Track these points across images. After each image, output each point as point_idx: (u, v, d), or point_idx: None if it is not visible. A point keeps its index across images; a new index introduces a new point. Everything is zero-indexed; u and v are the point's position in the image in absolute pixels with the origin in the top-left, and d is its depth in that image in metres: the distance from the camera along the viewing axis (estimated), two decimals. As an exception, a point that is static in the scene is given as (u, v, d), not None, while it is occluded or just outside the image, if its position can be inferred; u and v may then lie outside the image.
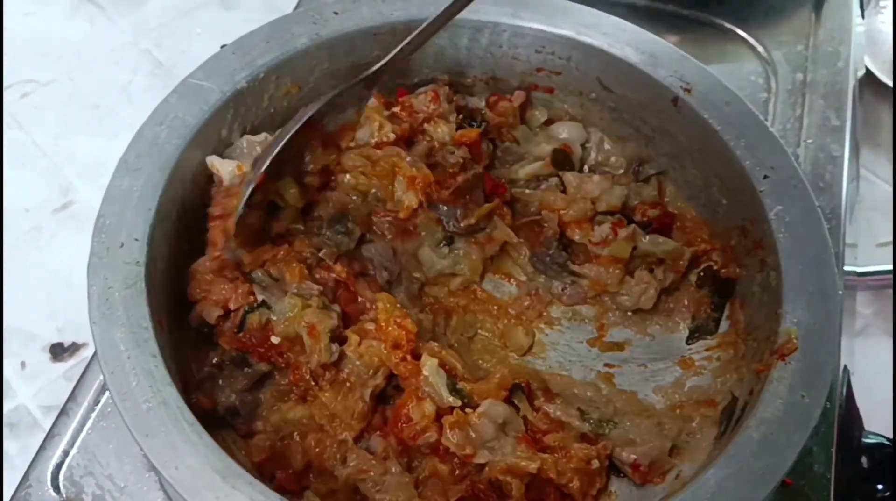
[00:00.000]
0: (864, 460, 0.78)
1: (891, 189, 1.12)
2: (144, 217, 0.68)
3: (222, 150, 0.79)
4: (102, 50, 1.23)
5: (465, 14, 0.84)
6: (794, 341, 0.65)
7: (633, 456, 0.70)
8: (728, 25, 1.06)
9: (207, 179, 0.77)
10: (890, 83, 1.15)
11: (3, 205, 1.07)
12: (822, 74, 1.00)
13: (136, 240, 0.67)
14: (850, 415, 0.79)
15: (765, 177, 0.74)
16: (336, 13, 0.83)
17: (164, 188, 0.71)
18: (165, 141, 0.73)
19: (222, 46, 1.20)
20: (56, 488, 0.72)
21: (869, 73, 1.13)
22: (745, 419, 0.63)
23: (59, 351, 0.97)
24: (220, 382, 0.71)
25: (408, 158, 0.79)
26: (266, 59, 0.80)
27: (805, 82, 0.99)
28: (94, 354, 0.79)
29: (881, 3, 1.26)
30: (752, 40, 1.04)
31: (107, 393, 0.76)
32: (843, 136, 0.94)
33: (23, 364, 0.96)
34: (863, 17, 1.10)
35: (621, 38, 0.83)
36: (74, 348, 0.97)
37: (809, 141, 0.93)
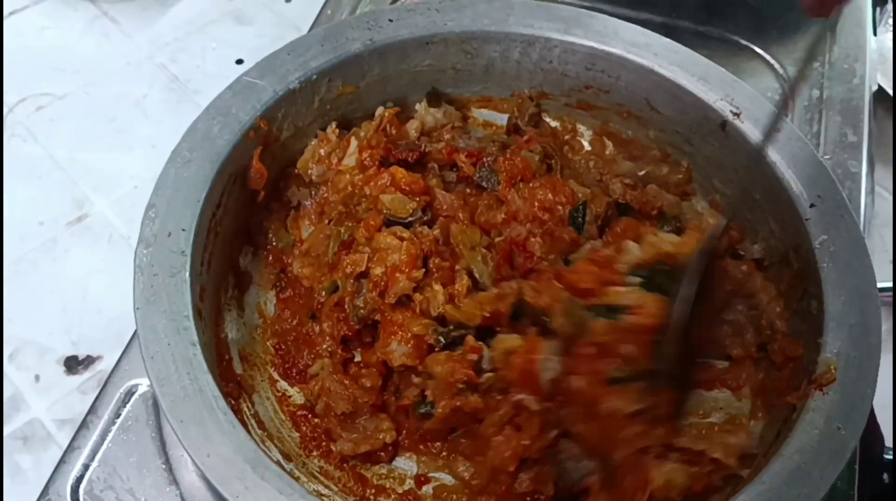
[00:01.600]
0: (885, 476, 0.78)
1: (902, 205, 1.12)
2: (192, 208, 0.69)
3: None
4: (118, 64, 1.24)
5: (518, 28, 0.85)
6: (833, 371, 0.64)
7: None
8: (744, 42, 1.06)
9: (256, 174, 0.78)
10: (901, 100, 1.16)
11: (16, 218, 1.07)
12: (838, 91, 1.00)
13: (183, 230, 0.68)
14: (871, 432, 0.79)
15: (811, 205, 0.73)
16: (391, 20, 0.84)
17: (214, 181, 0.72)
18: (217, 135, 0.74)
19: (237, 62, 1.22)
20: (76, 502, 0.72)
21: (880, 89, 1.14)
22: (780, 447, 0.62)
23: (73, 364, 0.97)
24: None
25: None
26: (319, 61, 0.80)
27: (822, 99, 0.99)
28: (115, 367, 0.80)
29: (890, 21, 1.26)
30: (768, 57, 1.05)
31: (128, 406, 0.76)
32: (860, 152, 0.94)
33: (37, 378, 0.96)
34: (875, 34, 1.11)
35: (672, 59, 0.83)
36: (89, 361, 0.97)
37: (827, 157, 0.93)
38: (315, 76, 0.80)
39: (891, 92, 1.17)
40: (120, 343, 0.82)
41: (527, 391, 0.67)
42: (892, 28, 1.25)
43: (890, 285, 0.99)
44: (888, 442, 0.82)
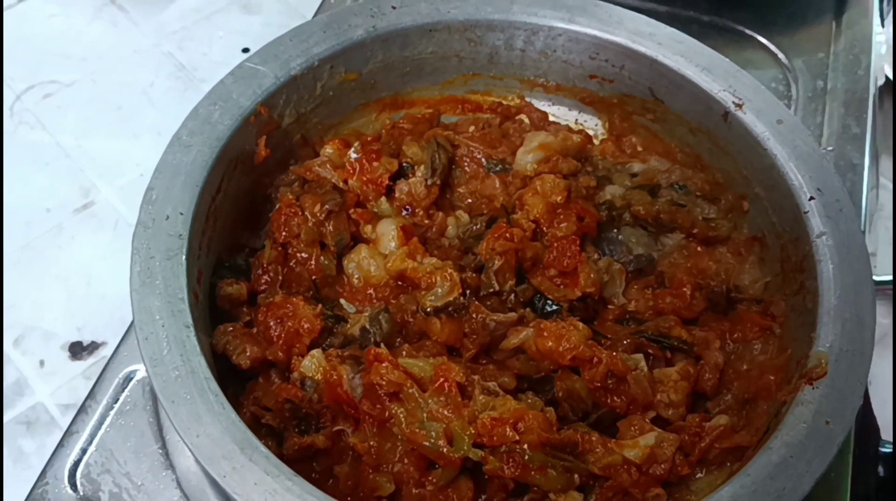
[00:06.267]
0: (880, 469, 0.78)
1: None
2: (191, 192, 0.70)
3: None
4: (125, 52, 1.24)
5: (522, 16, 0.85)
6: (825, 366, 0.64)
7: None
8: (749, 32, 1.06)
9: (257, 158, 0.79)
10: (910, 92, 1.14)
11: (23, 204, 1.08)
12: (843, 82, 0.99)
13: (181, 214, 0.69)
14: (866, 424, 0.79)
15: (810, 198, 0.73)
16: (394, 7, 0.84)
17: (213, 166, 0.73)
18: (218, 120, 0.75)
19: (244, 50, 1.22)
20: (73, 486, 0.73)
21: (888, 81, 1.13)
22: (768, 441, 0.62)
23: (77, 350, 0.98)
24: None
25: None
26: (321, 48, 0.81)
27: (826, 90, 0.99)
28: (114, 352, 0.81)
29: (901, 12, 1.25)
30: (773, 47, 1.04)
31: (126, 391, 0.77)
32: (863, 144, 0.93)
33: (41, 363, 0.97)
34: (882, 25, 1.10)
35: (676, 48, 0.83)
36: (93, 347, 0.98)
37: (830, 148, 0.93)
38: (317, 62, 0.81)
39: None
40: (124, 330, 0.84)
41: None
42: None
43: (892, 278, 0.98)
44: (888, 436, 0.81)
